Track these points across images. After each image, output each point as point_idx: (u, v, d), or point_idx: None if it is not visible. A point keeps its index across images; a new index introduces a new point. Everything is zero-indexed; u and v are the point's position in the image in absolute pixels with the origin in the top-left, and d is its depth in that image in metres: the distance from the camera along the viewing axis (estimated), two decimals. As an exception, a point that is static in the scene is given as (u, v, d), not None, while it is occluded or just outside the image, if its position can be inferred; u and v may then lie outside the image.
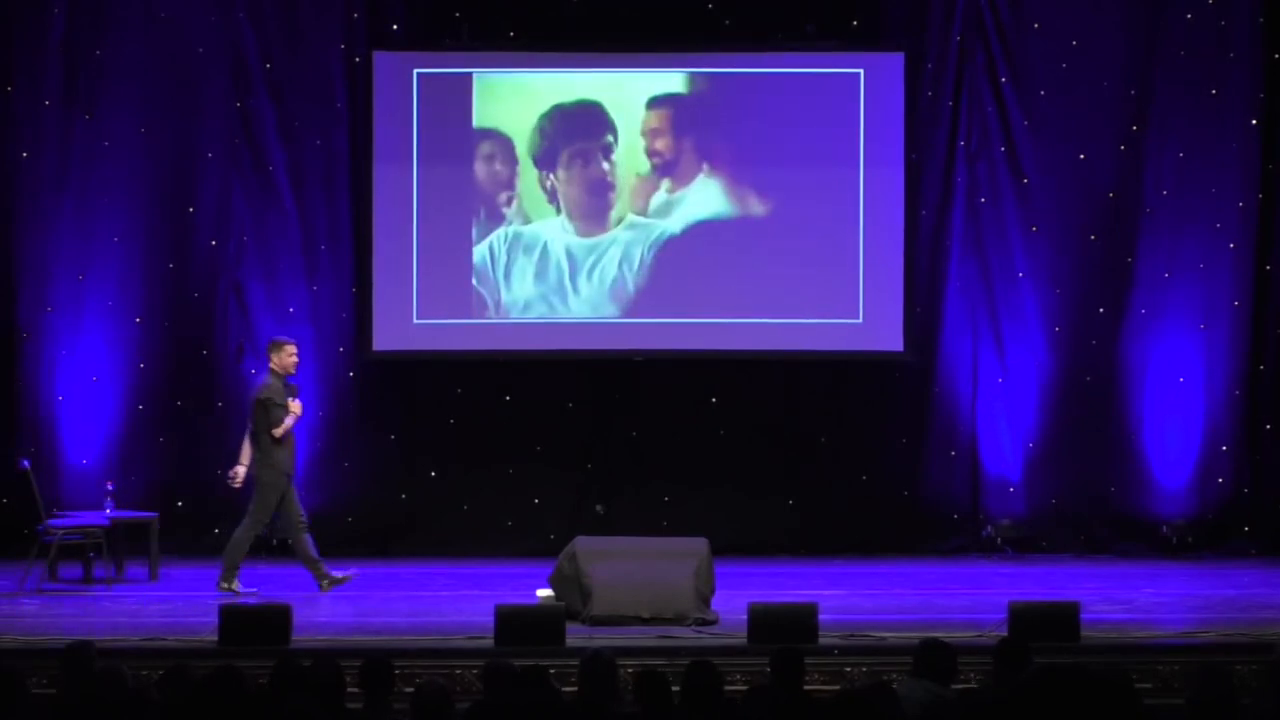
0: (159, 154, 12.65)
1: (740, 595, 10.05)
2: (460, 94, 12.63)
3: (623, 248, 12.68)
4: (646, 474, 12.50)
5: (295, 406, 10.75)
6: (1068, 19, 12.80)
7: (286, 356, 10.80)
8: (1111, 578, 11.63)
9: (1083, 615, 9.06)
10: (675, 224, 12.68)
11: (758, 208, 12.70)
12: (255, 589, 10.62)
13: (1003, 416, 12.92)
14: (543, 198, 12.67)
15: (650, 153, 12.69)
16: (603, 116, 12.67)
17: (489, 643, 8.82)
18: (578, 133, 12.67)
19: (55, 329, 12.60)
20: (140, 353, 12.68)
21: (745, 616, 8.98)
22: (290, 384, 10.84)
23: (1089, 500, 12.90)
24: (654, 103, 12.68)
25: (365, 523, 12.82)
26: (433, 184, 12.63)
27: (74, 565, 11.38)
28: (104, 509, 11.49)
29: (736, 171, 12.68)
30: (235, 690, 5.66)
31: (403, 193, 12.60)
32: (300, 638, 8.89)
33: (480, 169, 12.67)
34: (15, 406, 12.62)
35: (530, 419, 12.87)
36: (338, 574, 10.77)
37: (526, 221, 12.66)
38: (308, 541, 10.82)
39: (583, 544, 9.97)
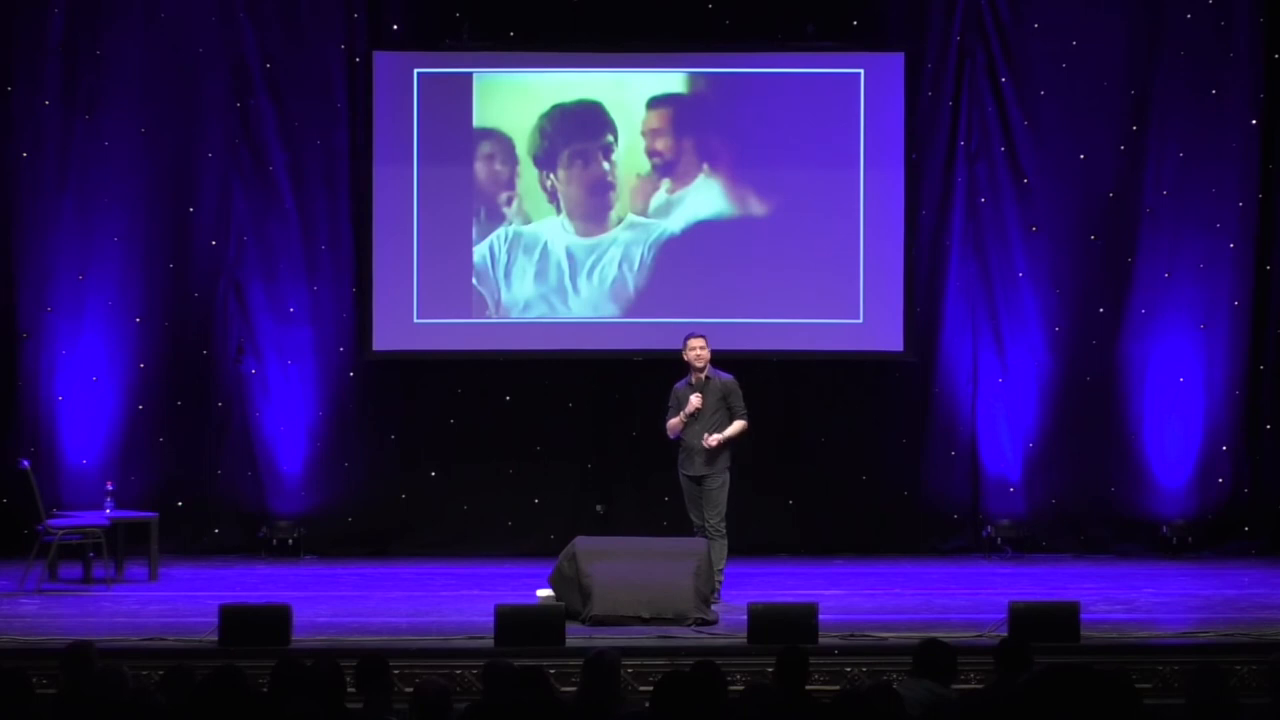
0: (159, 154, 12.65)
1: (740, 595, 10.07)
2: (460, 94, 12.63)
3: (623, 248, 12.67)
4: (646, 474, 12.49)
5: (690, 403, 10.41)
6: (1068, 19, 12.80)
7: (686, 352, 10.51)
8: (1111, 578, 11.63)
9: (1083, 615, 9.06)
10: (675, 224, 12.68)
11: (758, 208, 12.71)
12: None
13: (1003, 416, 12.93)
14: (543, 197, 12.67)
15: (650, 153, 12.68)
16: (603, 116, 12.67)
17: (489, 643, 8.83)
18: (578, 132, 12.67)
19: (55, 329, 12.60)
20: (140, 353, 12.68)
21: (745, 616, 8.98)
22: (697, 380, 10.46)
23: (1089, 500, 12.90)
24: (654, 103, 12.68)
25: (365, 523, 12.83)
26: (433, 184, 12.63)
27: (74, 565, 11.38)
28: (104, 509, 11.48)
29: (736, 171, 12.68)
30: (235, 690, 5.66)
31: (403, 192, 12.60)
32: (300, 638, 8.89)
33: (480, 169, 12.66)
34: (15, 406, 12.62)
35: (530, 419, 12.87)
36: (711, 611, 9.80)
37: (526, 221, 12.66)
38: (706, 546, 10.13)
39: (583, 544, 9.97)
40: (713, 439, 10.39)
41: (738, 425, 10.46)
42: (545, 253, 12.66)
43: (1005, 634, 8.68)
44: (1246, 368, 12.91)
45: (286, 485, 12.75)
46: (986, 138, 12.86)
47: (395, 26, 12.73)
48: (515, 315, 12.67)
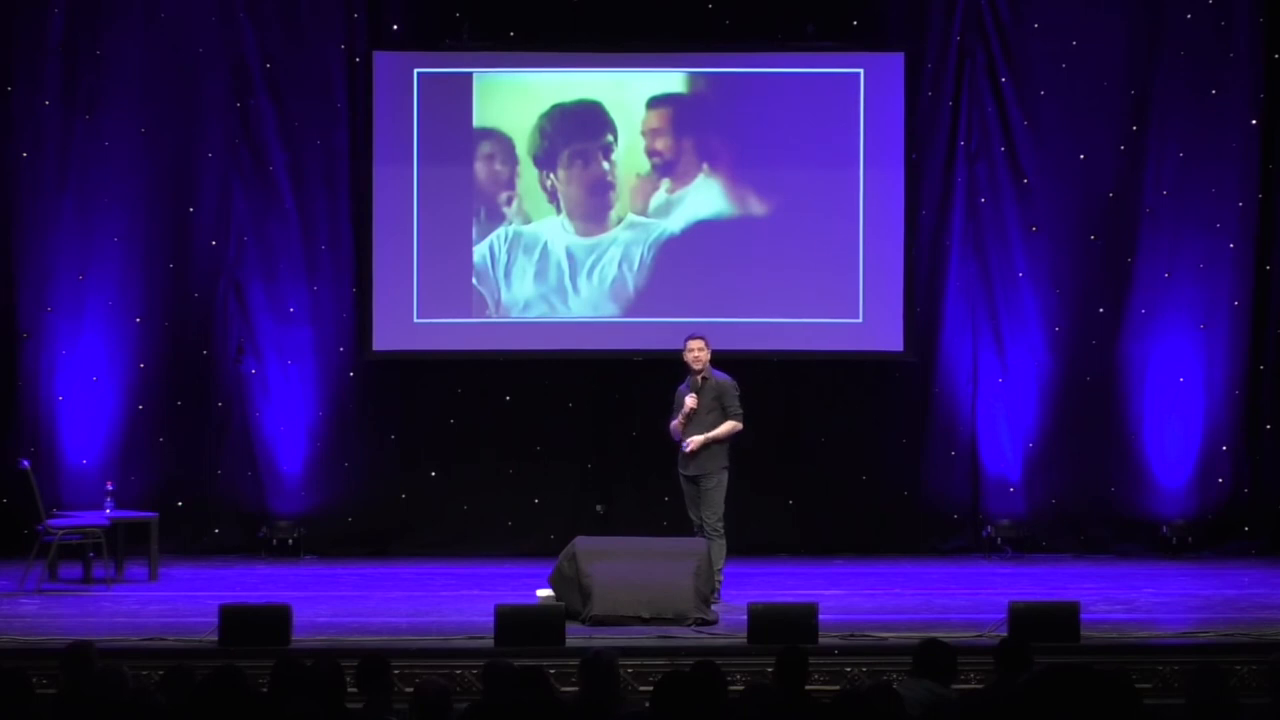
0: (159, 154, 12.64)
1: (740, 595, 10.06)
2: (460, 94, 12.63)
3: (623, 247, 12.67)
4: (646, 474, 12.49)
5: (686, 404, 10.40)
6: (1068, 19, 12.80)
7: (685, 354, 10.50)
8: (1111, 578, 11.63)
9: (1083, 615, 9.06)
10: (675, 224, 12.68)
11: (758, 208, 12.71)
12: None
13: (1003, 416, 12.92)
14: (543, 197, 12.67)
15: (650, 152, 12.68)
16: (603, 116, 12.67)
17: (489, 643, 8.83)
18: (578, 132, 12.67)
19: (55, 329, 12.60)
20: (140, 353, 12.68)
21: (745, 616, 8.98)
22: (697, 379, 10.42)
23: (1089, 500, 12.90)
24: (654, 102, 12.68)
25: (365, 523, 12.83)
26: (433, 184, 12.63)
27: (74, 565, 11.38)
28: (104, 509, 11.48)
29: (736, 171, 12.68)
30: (235, 690, 5.66)
31: (403, 192, 12.60)
32: (300, 638, 8.89)
33: (480, 169, 12.66)
34: (15, 406, 12.62)
35: (530, 419, 12.87)
36: (711, 611, 9.75)
37: (526, 221, 12.66)
38: (706, 546, 10.12)
39: (583, 544, 9.97)
40: (692, 442, 10.39)
41: (725, 426, 10.44)
42: (545, 252, 12.66)
43: (1005, 634, 8.68)
44: (1246, 368, 12.91)
45: (286, 485, 12.75)
46: (986, 138, 12.86)
47: (395, 26, 12.73)
48: (515, 315, 12.67)
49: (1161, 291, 12.84)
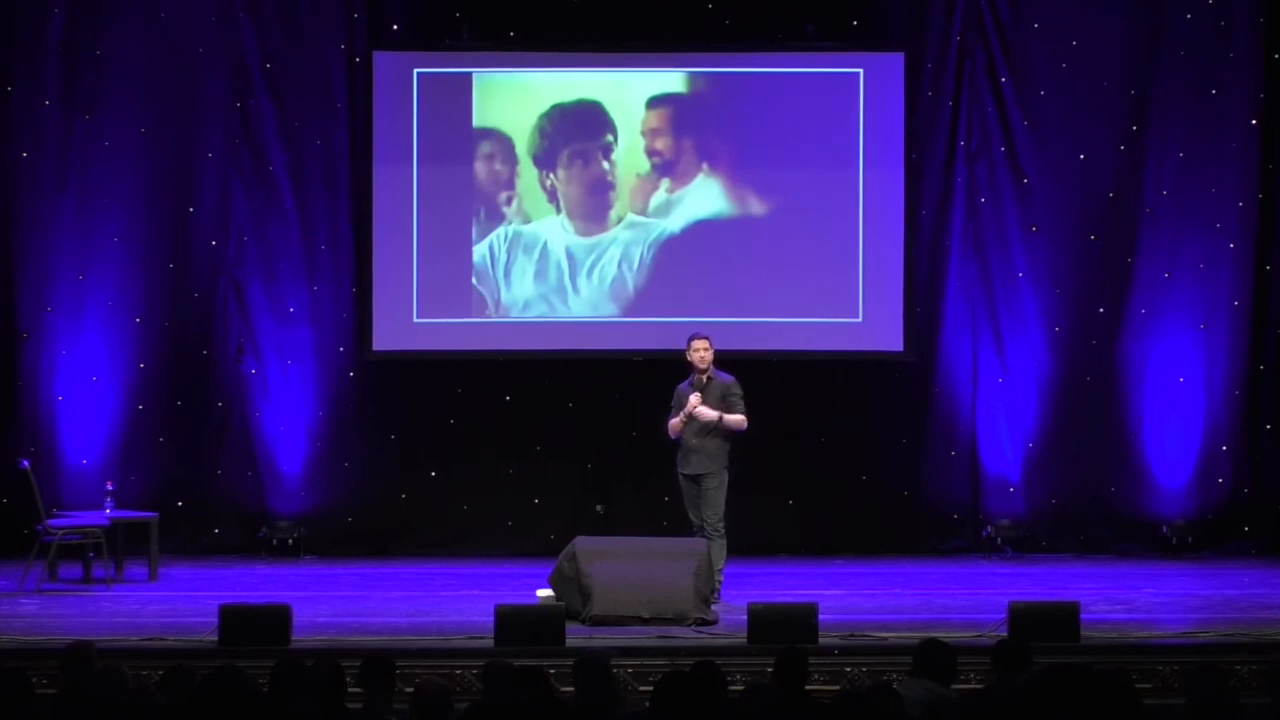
0: (159, 154, 12.65)
1: (740, 595, 10.06)
2: (460, 94, 12.63)
3: (622, 247, 12.68)
4: (646, 474, 12.49)
5: (690, 402, 10.36)
6: (1068, 19, 12.80)
7: (690, 353, 10.46)
8: (1111, 578, 11.63)
9: (1083, 615, 9.06)
10: (675, 223, 12.68)
11: (757, 207, 12.71)
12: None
13: (1003, 416, 12.92)
14: (542, 197, 12.68)
15: (650, 152, 12.68)
16: (603, 116, 12.67)
17: (489, 643, 8.83)
18: (578, 132, 12.67)
19: (55, 329, 12.60)
20: (140, 353, 12.68)
21: (745, 616, 8.98)
22: (701, 378, 10.40)
23: (1089, 500, 12.90)
24: (654, 102, 12.68)
25: (365, 523, 12.83)
26: (433, 183, 12.63)
27: (74, 565, 11.38)
28: (104, 509, 11.48)
29: (736, 171, 12.68)
30: (235, 690, 5.66)
31: (403, 192, 12.60)
32: (300, 638, 8.89)
33: (480, 168, 12.67)
34: (15, 406, 12.62)
35: (530, 419, 12.87)
36: (711, 611, 9.75)
37: (526, 221, 12.66)
38: (706, 546, 10.11)
39: (583, 544, 9.97)
40: (702, 408, 10.31)
41: (735, 416, 10.42)
42: (545, 252, 12.66)
43: (1005, 634, 8.68)
44: (1246, 368, 12.91)
45: (286, 485, 12.76)
46: (986, 138, 12.86)
47: (395, 26, 12.73)
48: (515, 315, 12.67)
49: (1161, 291, 12.84)
